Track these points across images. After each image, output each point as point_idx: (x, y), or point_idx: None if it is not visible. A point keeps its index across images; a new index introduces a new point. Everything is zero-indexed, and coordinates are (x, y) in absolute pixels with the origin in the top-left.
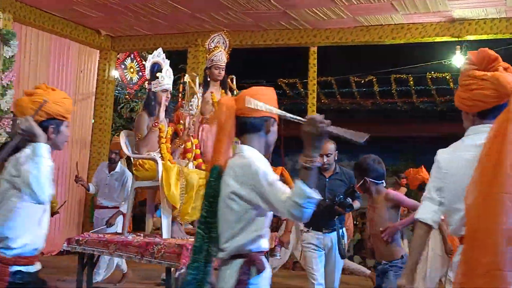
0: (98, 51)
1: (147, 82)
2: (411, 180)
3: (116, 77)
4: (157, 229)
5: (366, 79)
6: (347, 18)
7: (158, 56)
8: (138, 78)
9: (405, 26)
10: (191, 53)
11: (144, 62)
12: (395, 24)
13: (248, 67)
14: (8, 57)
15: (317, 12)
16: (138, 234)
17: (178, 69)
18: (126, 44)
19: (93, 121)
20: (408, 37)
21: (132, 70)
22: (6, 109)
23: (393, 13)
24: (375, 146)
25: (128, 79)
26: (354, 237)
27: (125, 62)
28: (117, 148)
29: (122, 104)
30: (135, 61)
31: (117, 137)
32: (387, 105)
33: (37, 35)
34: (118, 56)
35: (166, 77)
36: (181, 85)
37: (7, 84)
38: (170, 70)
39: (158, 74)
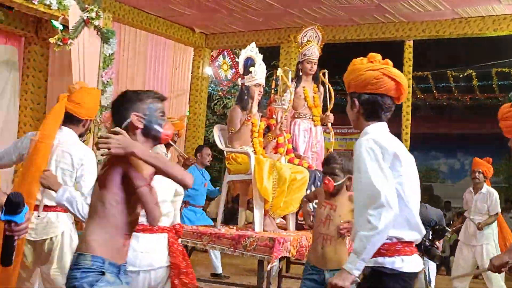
0: (193, 48)
1: (240, 76)
2: None
3: (209, 74)
4: (249, 223)
5: (465, 73)
6: (445, 10)
7: (251, 50)
8: (231, 75)
9: (508, 17)
10: (283, 49)
11: (236, 59)
12: (496, 15)
13: (341, 62)
14: (108, 55)
15: (413, 4)
16: (231, 227)
17: (271, 66)
18: (220, 41)
19: (187, 112)
20: (511, 29)
21: (225, 67)
22: (106, 105)
23: (494, 4)
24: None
25: (221, 75)
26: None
27: (218, 59)
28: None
29: (215, 101)
30: (228, 58)
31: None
32: (487, 100)
33: (134, 33)
34: (211, 53)
35: (259, 72)
36: (273, 81)
37: (107, 81)
38: (263, 64)
39: (251, 69)
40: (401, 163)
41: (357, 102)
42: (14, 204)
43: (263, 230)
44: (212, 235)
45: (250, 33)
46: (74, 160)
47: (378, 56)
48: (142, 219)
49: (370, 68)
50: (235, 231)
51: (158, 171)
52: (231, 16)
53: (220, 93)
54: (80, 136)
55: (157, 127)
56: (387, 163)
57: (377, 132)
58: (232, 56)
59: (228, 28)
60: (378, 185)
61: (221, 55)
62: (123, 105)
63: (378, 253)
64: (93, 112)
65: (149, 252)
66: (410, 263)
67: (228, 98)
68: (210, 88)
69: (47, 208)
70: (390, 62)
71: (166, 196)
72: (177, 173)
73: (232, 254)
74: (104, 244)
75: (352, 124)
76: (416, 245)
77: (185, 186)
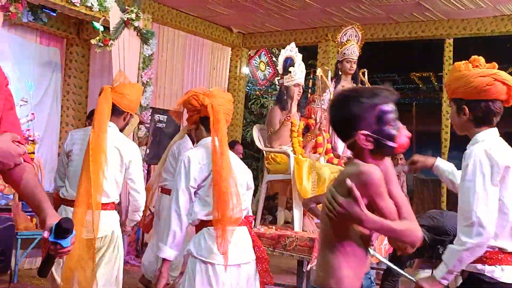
0: (230, 48)
1: (279, 76)
2: None
3: (247, 73)
4: (287, 222)
5: (508, 72)
6: (486, 7)
7: (291, 50)
8: (268, 74)
9: None
10: (321, 48)
11: (274, 59)
12: None
13: (379, 60)
14: (147, 55)
15: (453, 1)
16: (270, 226)
17: (308, 65)
18: (257, 41)
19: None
20: None
21: (262, 66)
22: (145, 105)
23: None
24: None
25: (259, 75)
26: None
27: (255, 58)
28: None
29: (253, 100)
30: (265, 57)
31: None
32: None
33: (173, 34)
34: (249, 52)
35: (299, 72)
36: (311, 80)
37: (147, 81)
38: (303, 64)
39: (290, 69)
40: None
41: (467, 110)
42: (63, 230)
43: (303, 230)
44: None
45: (287, 32)
46: (123, 156)
47: (482, 60)
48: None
49: (480, 74)
50: (275, 230)
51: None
52: (269, 16)
53: (257, 92)
54: (120, 131)
55: (390, 143)
56: (496, 178)
57: (489, 141)
58: (269, 55)
59: (265, 28)
60: (474, 203)
61: (258, 55)
62: (344, 118)
63: (479, 259)
64: (135, 105)
65: (238, 246)
66: (510, 273)
67: (265, 98)
68: (248, 87)
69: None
70: (496, 65)
71: (242, 190)
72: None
73: (271, 253)
74: (354, 277)
75: (458, 130)
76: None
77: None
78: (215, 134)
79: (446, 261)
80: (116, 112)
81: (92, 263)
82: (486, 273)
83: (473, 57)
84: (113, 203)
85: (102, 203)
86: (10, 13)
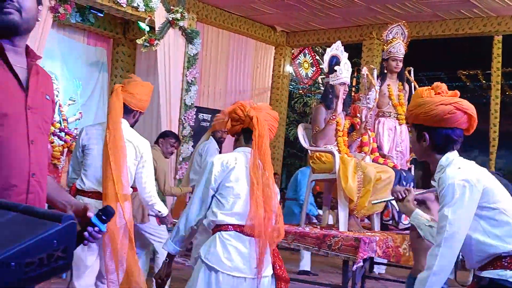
0: (274, 47)
1: (324, 75)
2: None
3: (290, 72)
4: (329, 224)
5: None
6: None
7: (337, 49)
8: (311, 73)
9: None
10: (365, 46)
11: (317, 57)
12: None
13: (425, 58)
14: (192, 54)
15: None
16: (315, 226)
17: (352, 63)
18: (301, 39)
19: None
20: None
21: (305, 65)
22: (190, 104)
23: None
24: None
25: (302, 74)
26: None
27: (299, 57)
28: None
29: (296, 99)
30: (308, 55)
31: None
32: None
33: (217, 33)
34: (292, 51)
35: (344, 70)
36: (355, 78)
37: (191, 80)
38: (348, 63)
39: (336, 67)
40: (493, 192)
41: (427, 136)
42: (107, 213)
43: (348, 230)
44: (296, 234)
45: (331, 31)
46: (136, 150)
47: (444, 87)
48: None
49: (442, 102)
50: (320, 230)
51: None
52: (313, 14)
53: (300, 91)
54: (130, 127)
55: None
56: (476, 199)
57: (462, 162)
58: (312, 54)
59: (309, 26)
60: (449, 227)
61: (302, 53)
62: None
63: (501, 265)
64: (144, 104)
65: (251, 258)
66: None
67: (308, 96)
68: (291, 86)
69: None
70: (458, 93)
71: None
72: None
73: (316, 253)
74: None
75: (417, 156)
76: None
77: None
78: (256, 148)
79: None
80: (126, 110)
81: (133, 252)
82: (508, 279)
83: (435, 83)
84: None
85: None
86: (59, 14)
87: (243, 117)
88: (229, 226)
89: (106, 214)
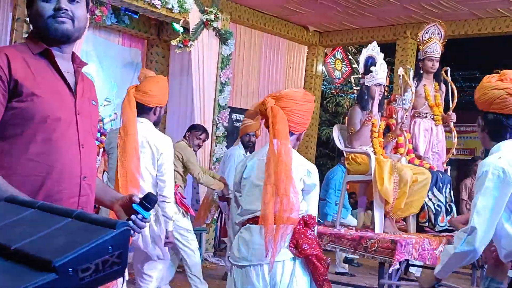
0: (306, 47)
1: (360, 75)
2: None
3: (323, 71)
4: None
5: None
6: None
7: (373, 49)
8: (343, 73)
9: None
10: (399, 46)
11: (350, 57)
12: None
13: (460, 58)
14: (226, 55)
15: None
16: (350, 227)
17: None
18: (334, 39)
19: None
20: None
21: (338, 64)
22: (223, 104)
23: None
24: None
25: (335, 73)
26: None
27: (331, 57)
28: (252, 130)
29: (328, 99)
30: (341, 55)
31: (246, 119)
32: None
33: (250, 33)
34: (325, 51)
35: (380, 71)
36: (388, 78)
37: (225, 81)
38: (384, 64)
39: (372, 68)
40: None
41: (480, 121)
42: (151, 200)
43: (384, 232)
44: (332, 235)
45: (364, 30)
46: (153, 149)
47: (510, 74)
48: (257, 213)
49: (496, 87)
50: (355, 232)
51: None
52: (346, 14)
53: (333, 91)
54: (154, 124)
55: None
56: (505, 191)
57: (507, 152)
58: (345, 53)
59: (342, 26)
60: (475, 211)
61: (334, 53)
62: None
63: None
64: (162, 99)
65: (261, 245)
66: None
67: (341, 96)
68: (323, 86)
69: None
70: None
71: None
72: None
73: (352, 255)
74: None
75: (481, 142)
76: None
77: None
78: (272, 136)
79: (441, 258)
80: (146, 109)
81: None
82: None
83: (504, 71)
84: None
85: None
86: (95, 16)
87: (264, 111)
88: (245, 222)
89: (148, 201)
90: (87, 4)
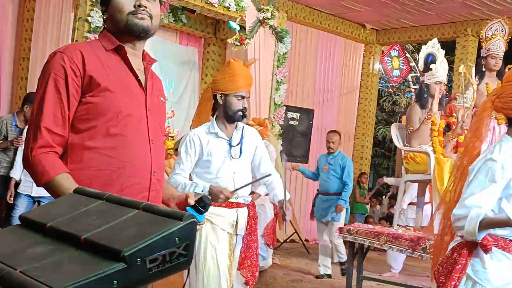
0: (363, 45)
1: (419, 73)
2: None
3: (379, 70)
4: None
5: None
6: None
7: (433, 46)
8: (401, 71)
9: None
10: (459, 43)
11: (407, 55)
12: None
13: None
14: (282, 53)
15: None
16: (408, 227)
17: None
18: (391, 37)
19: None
20: None
21: (395, 63)
22: (279, 103)
23: None
24: None
25: (392, 72)
26: None
27: (389, 55)
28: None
29: (385, 97)
30: (399, 53)
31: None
32: None
33: (306, 31)
34: (382, 49)
35: (441, 69)
36: (447, 76)
37: (281, 79)
38: (445, 61)
39: (431, 66)
40: None
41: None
42: (205, 204)
43: None
44: (390, 235)
45: (423, 28)
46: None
47: None
48: None
49: None
50: (413, 232)
51: None
52: (405, 11)
53: (390, 89)
54: None
55: None
56: (494, 180)
57: (506, 145)
58: (403, 51)
59: (400, 23)
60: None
61: (391, 51)
62: None
63: None
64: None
65: None
66: None
67: (398, 95)
68: (380, 84)
69: None
70: None
71: None
72: None
73: (410, 255)
74: None
75: None
76: None
77: None
78: None
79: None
80: None
81: None
82: None
83: None
84: None
85: None
86: None
87: None
88: None
89: (202, 204)
90: (161, 3)
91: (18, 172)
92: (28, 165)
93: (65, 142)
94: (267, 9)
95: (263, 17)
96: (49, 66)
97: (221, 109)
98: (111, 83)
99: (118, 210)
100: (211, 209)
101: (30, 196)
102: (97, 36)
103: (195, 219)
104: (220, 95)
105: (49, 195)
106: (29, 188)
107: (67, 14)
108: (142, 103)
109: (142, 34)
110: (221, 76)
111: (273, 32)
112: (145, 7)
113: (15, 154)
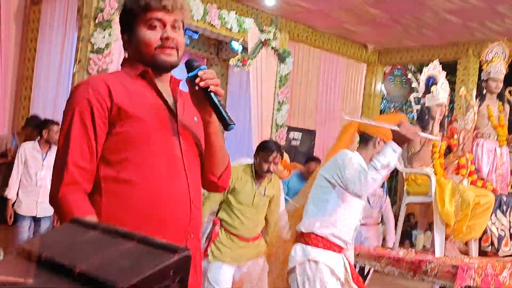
0: (365, 65)
1: (420, 94)
2: None
3: (381, 90)
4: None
5: None
6: None
7: (434, 68)
8: (403, 91)
9: None
10: (461, 64)
11: (409, 75)
12: None
13: None
14: (284, 74)
15: None
16: (409, 250)
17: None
18: (393, 57)
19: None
20: None
21: (398, 83)
22: (281, 123)
23: None
24: None
25: (394, 92)
26: None
27: (391, 75)
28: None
29: None
30: (401, 73)
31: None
32: None
33: (308, 52)
34: (384, 69)
35: (442, 91)
36: (449, 97)
37: (283, 100)
38: (446, 83)
39: (432, 88)
40: None
41: None
42: (192, 66)
43: (444, 255)
44: (390, 258)
45: (425, 48)
46: None
47: None
48: None
49: None
50: (415, 254)
51: None
52: (406, 32)
53: (392, 109)
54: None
55: None
56: None
57: None
58: (405, 72)
59: (402, 44)
60: None
61: (393, 71)
62: None
63: None
64: (387, 131)
65: None
66: None
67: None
68: (382, 104)
69: None
70: None
71: None
72: None
73: (411, 279)
74: None
75: None
76: None
77: None
78: None
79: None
80: (365, 138)
81: None
82: None
83: None
84: None
85: None
86: None
87: None
88: None
89: (190, 67)
90: (184, 30)
91: (13, 190)
92: (54, 204)
93: (93, 176)
94: (269, 31)
95: (265, 38)
96: (73, 99)
97: None
98: (139, 110)
99: (113, 241)
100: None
101: (33, 216)
102: (99, 57)
103: (189, 253)
104: None
105: (50, 214)
106: (33, 209)
107: (70, 35)
108: (173, 128)
109: (169, 70)
110: None
111: (275, 53)
112: (172, 38)
113: (7, 169)
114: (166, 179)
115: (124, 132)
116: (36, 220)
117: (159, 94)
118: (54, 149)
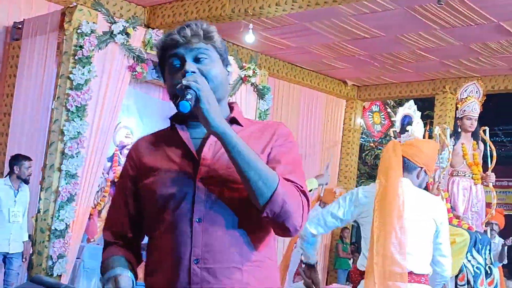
0: (345, 100)
1: (397, 134)
2: None
3: (361, 124)
4: None
5: None
6: None
7: (409, 108)
8: (382, 126)
9: None
10: (438, 100)
11: (388, 110)
12: None
13: (501, 113)
14: (263, 110)
15: None
16: None
17: (424, 116)
18: (372, 93)
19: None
20: None
21: (376, 118)
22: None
23: None
24: None
25: (373, 127)
26: None
27: (370, 110)
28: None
29: (367, 151)
30: (379, 109)
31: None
32: None
33: (288, 87)
34: (363, 104)
35: (417, 131)
36: (427, 132)
37: None
38: (421, 123)
39: (408, 127)
40: None
41: None
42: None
43: None
44: None
45: (403, 84)
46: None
47: None
48: None
49: None
50: None
51: None
52: (384, 69)
53: (372, 144)
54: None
55: None
56: None
57: None
58: (383, 106)
59: (380, 80)
60: None
61: (373, 106)
62: None
63: None
64: (431, 161)
65: None
66: None
67: (379, 149)
68: (362, 139)
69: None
70: None
71: None
72: None
73: None
74: None
75: None
76: None
77: None
78: None
79: None
80: (409, 168)
81: None
82: None
83: None
84: (427, 275)
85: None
86: (136, 72)
87: None
88: None
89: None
90: (222, 59)
91: None
92: None
93: (127, 237)
94: (249, 67)
95: (244, 75)
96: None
97: None
98: (157, 161)
99: None
100: None
101: (5, 253)
102: (77, 93)
103: None
104: None
105: (21, 250)
106: (6, 246)
107: (49, 71)
108: (190, 175)
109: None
110: None
111: (255, 89)
112: (193, 71)
113: None
114: (164, 236)
115: (144, 185)
116: (8, 257)
117: (182, 140)
118: (25, 185)
